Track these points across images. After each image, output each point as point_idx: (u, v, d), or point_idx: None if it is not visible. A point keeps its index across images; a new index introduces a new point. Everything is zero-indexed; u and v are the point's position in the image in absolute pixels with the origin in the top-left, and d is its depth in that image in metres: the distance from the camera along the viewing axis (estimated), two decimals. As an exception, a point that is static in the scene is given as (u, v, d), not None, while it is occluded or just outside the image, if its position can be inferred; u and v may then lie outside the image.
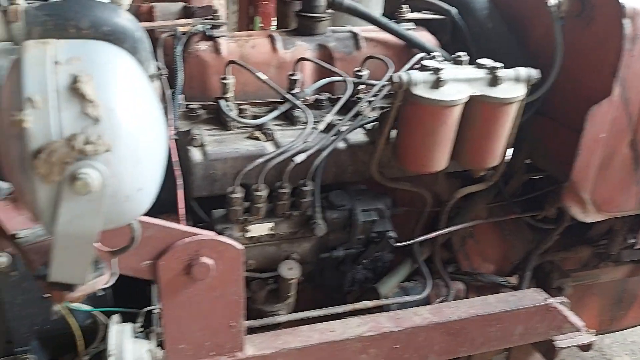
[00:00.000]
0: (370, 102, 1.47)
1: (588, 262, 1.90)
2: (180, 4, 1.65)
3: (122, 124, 0.68)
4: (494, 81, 1.34)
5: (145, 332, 1.21)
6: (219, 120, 1.49)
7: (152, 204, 0.78)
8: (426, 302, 1.55)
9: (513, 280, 1.71)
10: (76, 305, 1.18)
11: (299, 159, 1.30)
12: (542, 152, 1.64)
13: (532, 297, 1.53)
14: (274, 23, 2.38)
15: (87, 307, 1.20)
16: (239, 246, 1.13)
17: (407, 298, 1.51)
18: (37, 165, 0.64)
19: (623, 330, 2.37)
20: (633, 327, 2.29)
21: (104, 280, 0.85)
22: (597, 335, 2.14)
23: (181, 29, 1.58)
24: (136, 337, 1.15)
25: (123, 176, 0.69)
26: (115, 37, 1.24)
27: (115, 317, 1.13)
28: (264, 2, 3.22)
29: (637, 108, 1.43)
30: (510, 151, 1.73)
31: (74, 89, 0.66)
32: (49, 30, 1.20)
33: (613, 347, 3.18)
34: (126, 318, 1.21)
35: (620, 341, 3.18)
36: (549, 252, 1.81)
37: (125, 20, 1.28)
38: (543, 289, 1.57)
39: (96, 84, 0.67)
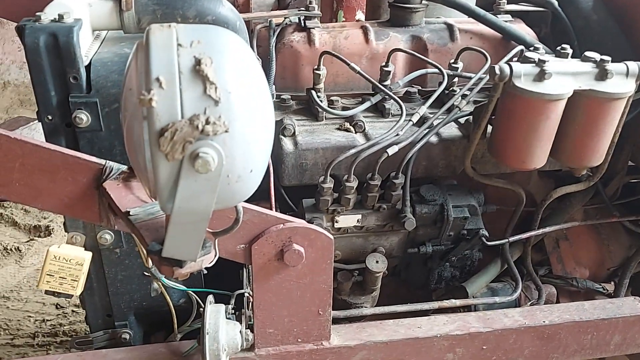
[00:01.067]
0: (465, 95, 1.43)
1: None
2: (276, -4, 1.68)
3: (239, 106, 0.70)
4: (602, 75, 1.26)
5: (237, 314, 1.23)
6: (309, 111, 1.50)
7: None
8: (515, 304, 1.50)
9: (609, 287, 1.62)
10: (172, 284, 1.22)
11: (392, 151, 1.29)
12: (647, 153, 1.54)
13: (632, 305, 1.44)
14: (359, 17, 2.37)
15: (182, 287, 1.25)
16: (330, 235, 1.13)
17: (496, 299, 1.46)
18: (162, 143, 0.67)
19: None
20: None
21: (210, 259, 0.88)
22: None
23: (275, 20, 1.60)
24: (228, 318, 1.17)
25: (237, 157, 0.70)
26: (219, 25, 1.28)
27: (211, 298, 1.16)
28: (348, -5, 3.21)
29: None
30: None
31: (197, 71, 0.68)
32: (157, 19, 1.26)
33: None
34: (218, 300, 1.24)
35: None
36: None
37: (227, 10, 1.31)
38: (639, 298, 1.48)
39: (216, 67, 0.69)
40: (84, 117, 1.12)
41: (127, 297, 1.33)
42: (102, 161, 1.03)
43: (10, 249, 3.43)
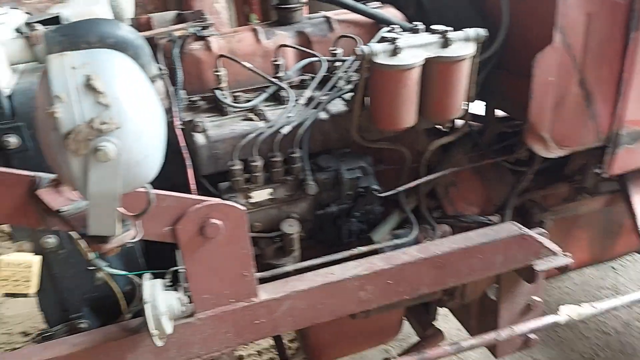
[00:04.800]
0: (342, 75, 1.68)
1: (568, 198, 2.08)
2: (174, 12, 1.89)
3: (126, 107, 0.92)
4: (445, 43, 1.54)
5: (173, 287, 1.45)
6: (217, 108, 1.72)
7: (159, 169, 1.02)
8: (415, 244, 1.76)
9: (495, 219, 1.91)
10: (113, 271, 1.43)
11: (285, 130, 1.53)
12: (507, 101, 1.84)
13: (509, 228, 1.73)
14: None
15: (122, 272, 1.45)
16: (242, 207, 1.37)
17: (397, 241, 1.72)
18: (69, 144, 0.88)
19: (616, 258, 2.54)
20: (625, 254, 2.45)
21: (131, 235, 1.10)
22: (590, 265, 2.33)
23: (177, 34, 1.82)
24: (165, 290, 1.39)
25: (131, 147, 0.93)
26: (119, 47, 1.48)
27: (147, 275, 1.37)
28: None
29: (579, 51, 1.61)
30: (482, 105, 1.94)
31: (88, 85, 0.90)
32: (65, 48, 1.45)
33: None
34: (157, 277, 1.45)
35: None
36: (530, 191, 2.00)
37: (126, 32, 1.51)
38: (526, 225, 1.76)
39: (103, 80, 0.91)
40: (12, 140, 1.31)
41: (77, 291, 1.53)
42: (32, 173, 1.23)
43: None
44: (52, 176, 1.25)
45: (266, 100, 1.72)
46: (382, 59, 1.49)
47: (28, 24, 1.56)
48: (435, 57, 1.53)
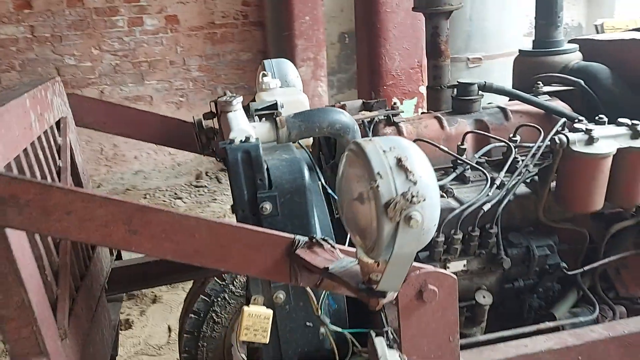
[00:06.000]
0: (530, 161, 1.85)
1: None
2: (360, 100, 2.15)
3: (427, 183, 1.11)
4: (636, 135, 1.69)
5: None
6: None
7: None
8: (594, 323, 1.83)
9: (668, 303, 1.95)
10: (336, 328, 1.59)
11: (486, 207, 1.69)
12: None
13: (691, 313, 1.77)
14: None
15: (346, 330, 1.60)
16: (454, 276, 1.51)
17: (580, 319, 1.80)
18: (390, 211, 1.07)
19: None
20: None
21: (395, 294, 1.26)
22: None
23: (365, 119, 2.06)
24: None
25: (429, 216, 1.11)
26: (344, 130, 1.74)
27: (372, 333, 1.52)
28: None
29: None
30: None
31: (400, 165, 1.10)
32: (302, 131, 1.71)
33: None
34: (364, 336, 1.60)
35: None
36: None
37: (347, 118, 1.77)
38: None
39: (410, 161, 1.11)
40: (267, 207, 1.54)
41: (294, 344, 1.69)
42: (292, 235, 1.43)
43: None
44: (305, 238, 1.45)
45: (453, 179, 1.90)
46: (579, 147, 1.65)
47: (257, 110, 1.84)
48: (627, 147, 1.67)
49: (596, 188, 1.68)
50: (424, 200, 1.09)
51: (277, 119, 1.69)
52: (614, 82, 2.06)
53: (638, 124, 1.69)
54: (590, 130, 1.67)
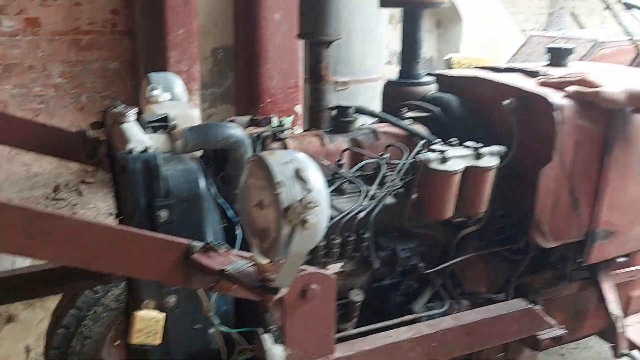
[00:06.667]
0: (396, 176, 2.13)
1: (551, 282, 2.57)
2: (249, 116, 2.30)
3: (320, 192, 1.30)
4: (478, 156, 2.04)
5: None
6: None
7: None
8: (446, 314, 2.15)
9: (502, 297, 2.35)
10: (224, 328, 1.71)
11: (361, 215, 1.94)
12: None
13: (519, 304, 2.17)
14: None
15: (235, 329, 1.73)
16: (333, 276, 1.72)
17: (434, 312, 2.11)
18: (288, 215, 1.24)
19: (580, 339, 3.02)
20: (587, 336, 2.94)
21: (287, 290, 1.43)
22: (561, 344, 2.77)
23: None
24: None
25: (321, 220, 1.29)
26: (238, 143, 1.88)
27: (260, 330, 1.66)
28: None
29: (570, 168, 2.17)
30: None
31: (298, 176, 1.28)
32: (198, 144, 1.82)
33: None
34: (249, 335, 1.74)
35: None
36: (523, 276, 2.47)
37: (240, 132, 1.92)
38: (523, 302, 2.21)
39: (306, 173, 1.29)
40: (164, 215, 1.62)
41: (182, 346, 1.77)
42: (187, 241, 1.54)
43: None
44: (201, 244, 1.56)
45: (332, 191, 2.12)
46: (435, 165, 1.97)
47: (149, 122, 1.91)
48: (472, 166, 2.02)
49: (448, 199, 2.01)
50: (318, 206, 1.28)
51: (175, 131, 1.78)
52: (462, 110, 2.44)
53: (479, 147, 2.05)
54: (444, 150, 1.99)
